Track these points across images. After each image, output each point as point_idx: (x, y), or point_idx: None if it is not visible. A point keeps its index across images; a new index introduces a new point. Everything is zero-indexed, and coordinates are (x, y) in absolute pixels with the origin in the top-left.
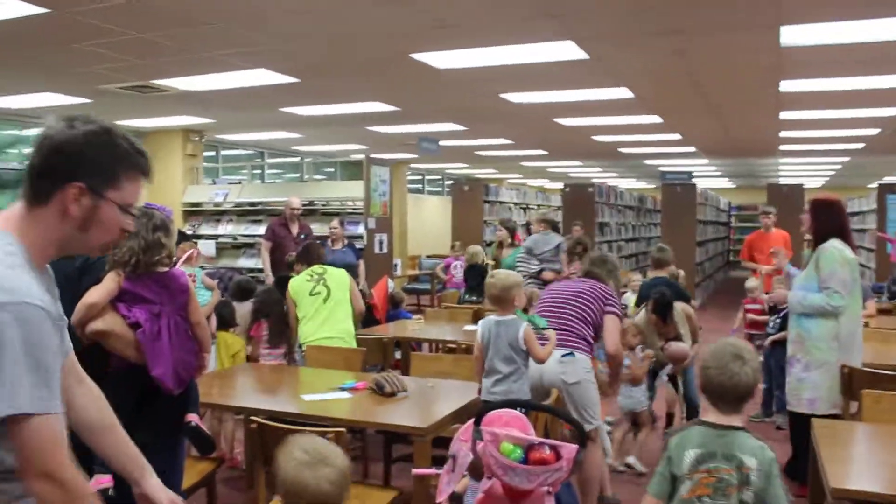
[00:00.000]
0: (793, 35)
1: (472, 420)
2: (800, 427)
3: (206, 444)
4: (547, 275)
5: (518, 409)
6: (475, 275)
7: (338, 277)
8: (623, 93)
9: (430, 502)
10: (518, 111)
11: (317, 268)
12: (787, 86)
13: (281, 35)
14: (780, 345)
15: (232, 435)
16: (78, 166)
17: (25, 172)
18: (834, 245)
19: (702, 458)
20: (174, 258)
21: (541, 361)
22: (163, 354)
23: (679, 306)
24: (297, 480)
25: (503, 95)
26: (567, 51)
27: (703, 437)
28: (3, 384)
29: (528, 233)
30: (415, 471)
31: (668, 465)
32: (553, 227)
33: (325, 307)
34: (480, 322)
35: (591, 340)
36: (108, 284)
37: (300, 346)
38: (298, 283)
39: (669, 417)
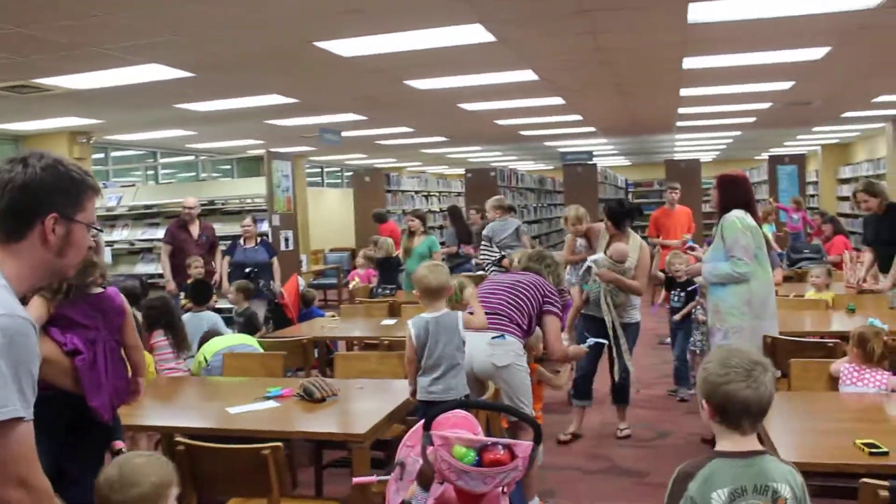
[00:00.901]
0: (700, 12)
1: (420, 424)
2: None
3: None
4: (507, 262)
5: (466, 409)
6: (389, 267)
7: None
8: (528, 75)
9: None
10: (422, 98)
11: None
12: (689, 62)
13: (174, 26)
14: (685, 319)
15: None
16: (48, 199)
17: None
18: (735, 215)
19: (733, 497)
20: (106, 277)
21: (483, 326)
22: (100, 384)
23: (638, 239)
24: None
25: (407, 82)
26: (475, 34)
27: (728, 472)
28: (3, 390)
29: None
30: (355, 479)
31: None
32: (509, 211)
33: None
34: (412, 322)
35: (525, 329)
36: (37, 310)
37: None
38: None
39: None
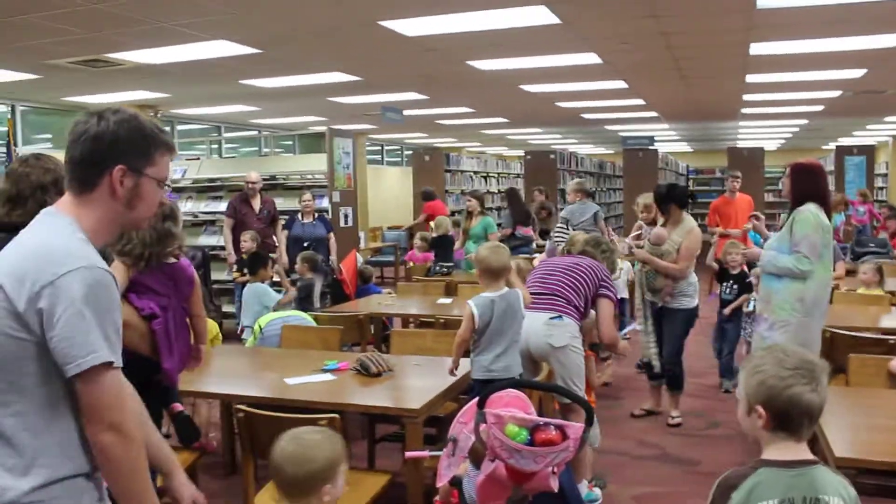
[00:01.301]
0: None
1: (474, 402)
2: None
3: (194, 434)
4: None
5: (519, 388)
6: (445, 245)
7: None
8: (591, 58)
9: (424, 485)
10: (484, 78)
11: None
12: (756, 48)
13: (241, 3)
14: (736, 312)
15: (206, 421)
16: (117, 151)
17: (68, 165)
18: (810, 209)
19: None
20: (183, 248)
21: (527, 302)
22: (172, 348)
23: (690, 223)
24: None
25: (470, 62)
26: (539, 15)
27: (777, 483)
28: (88, 338)
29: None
30: (408, 453)
31: None
32: (589, 195)
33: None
34: (474, 302)
35: (582, 311)
36: (119, 274)
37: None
38: None
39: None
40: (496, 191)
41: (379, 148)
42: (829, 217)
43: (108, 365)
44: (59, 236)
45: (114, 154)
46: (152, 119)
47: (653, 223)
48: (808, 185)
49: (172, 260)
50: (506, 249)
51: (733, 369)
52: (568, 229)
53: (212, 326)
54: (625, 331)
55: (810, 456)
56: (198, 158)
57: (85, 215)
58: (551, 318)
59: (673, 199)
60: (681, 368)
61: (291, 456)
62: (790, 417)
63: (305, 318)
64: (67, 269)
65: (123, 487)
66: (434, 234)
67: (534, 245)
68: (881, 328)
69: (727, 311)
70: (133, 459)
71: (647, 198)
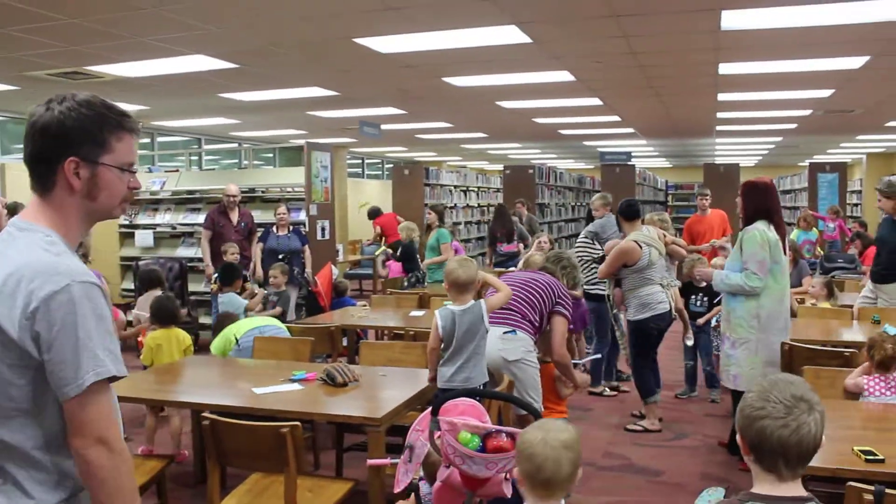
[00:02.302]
0: (733, 19)
1: (429, 410)
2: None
3: None
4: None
5: (474, 397)
6: (412, 252)
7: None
8: (564, 76)
9: (385, 493)
10: (460, 94)
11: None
12: (725, 68)
13: (219, 19)
14: (708, 322)
15: (178, 431)
16: (66, 142)
17: (26, 164)
18: (757, 227)
19: None
20: (89, 258)
21: (507, 297)
22: None
23: (636, 235)
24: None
25: (446, 79)
26: (510, 35)
27: None
28: (83, 356)
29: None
30: (369, 461)
31: None
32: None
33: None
34: (439, 312)
35: (537, 326)
36: None
37: (235, 340)
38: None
39: None
40: (476, 205)
41: (360, 161)
42: (783, 232)
43: (110, 379)
44: (36, 253)
45: (63, 146)
46: (108, 101)
47: None
48: (756, 201)
49: None
50: (473, 263)
51: (716, 378)
52: (594, 244)
53: (183, 337)
54: (583, 360)
55: (800, 492)
56: (177, 170)
57: (53, 219)
58: (505, 333)
59: (620, 212)
60: (641, 376)
61: (555, 459)
62: (761, 452)
63: (282, 329)
64: (54, 289)
65: None
66: (401, 241)
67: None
68: (839, 341)
69: (700, 321)
70: (121, 475)
71: None
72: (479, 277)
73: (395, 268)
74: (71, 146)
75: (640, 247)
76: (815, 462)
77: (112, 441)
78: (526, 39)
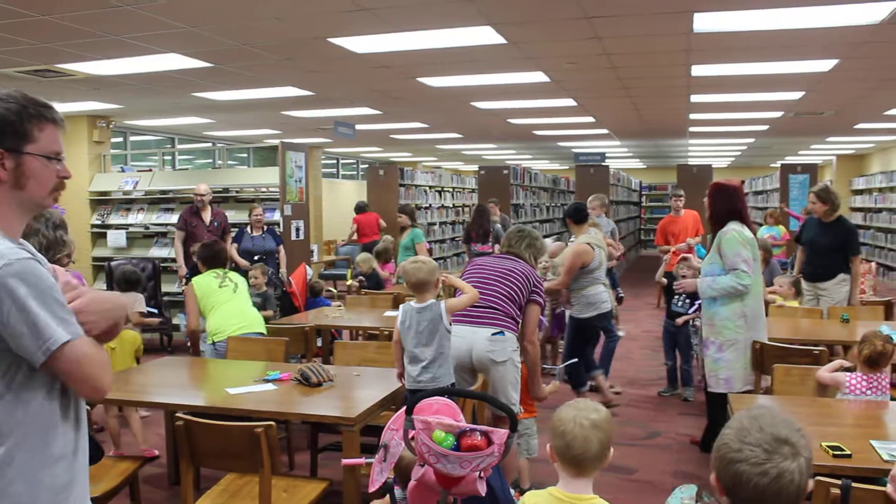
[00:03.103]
0: (705, 21)
1: (403, 409)
2: (716, 403)
3: (97, 453)
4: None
5: (448, 396)
6: (377, 280)
7: (238, 278)
8: (538, 76)
9: (359, 492)
10: (434, 95)
11: (218, 269)
12: (698, 70)
13: (193, 18)
14: (687, 323)
15: (139, 430)
16: None
17: None
18: (733, 228)
19: None
20: (73, 256)
21: (472, 300)
22: None
23: (586, 237)
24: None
25: (420, 79)
26: (484, 35)
27: None
28: (37, 332)
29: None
30: (344, 461)
31: None
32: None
33: (236, 298)
34: (402, 307)
35: (518, 319)
36: None
37: (212, 342)
38: (204, 280)
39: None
40: (451, 205)
41: (334, 161)
42: (753, 232)
43: (66, 343)
44: None
45: None
46: (22, 93)
47: None
48: (724, 203)
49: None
50: (427, 264)
51: (692, 377)
52: None
53: (133, 338)
54: (560, 367)
55: None
56: (150, 170)
57: None
58: (493, 335)
59: (569, 216)
60: (575, 370)
61: (584, 437)
62: (736, 497)
63: (264, 332)
64: None
65: None
66: (361, 273)
67: None
68: (810, 339)
69: (679, 321)
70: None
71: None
72: (435, 277)
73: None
74: None
75: (593, 248)
76: None
77: (101, 387)
78: (500, 40)
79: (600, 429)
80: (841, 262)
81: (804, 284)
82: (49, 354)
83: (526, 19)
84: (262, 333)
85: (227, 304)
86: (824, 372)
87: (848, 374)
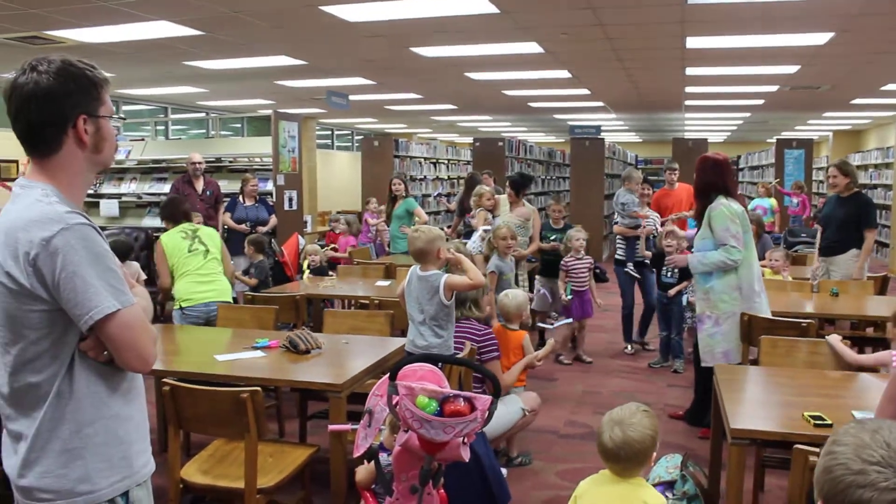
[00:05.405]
0: None
1: (388, 375)
2: (704, 377)
3: None
4: (617, 228)
5: (434, 363)
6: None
7: (211, 235)
8: (533, 47)
9: (346, 458)
10: (428, 65)
11: (187, 225)
12: (692, 42)
13: None
14: (679, 293)
15: None
16: (72, 102)
17: (24, 132)
18: (721, 202)
19: None
20: None
21: (474, 284)
22: None
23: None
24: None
25: (413, 49)
26: (478, 4)
27: None
28: (87, 295)
29: None
30: (330, 427)
31: None
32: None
33: (207, 265)
34: (410, 270)
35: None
36: None
37: (179, 307)
38: (173, 240)
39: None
40: (445, 177)
41: (329, 132)
42: (742, 205)
43: (115, 313)
44: (32, 205)
45: (70, 106)
46: (80, 59)
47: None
48: (710, 176)
49: None
50: (425, 233)
51: (682, 349)
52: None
53: None
54: (555, 325)
55: None
56: (143, 139)
57: (56, 176)
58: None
59: (515, 184)
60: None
61: (623, 442)
62: None
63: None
64: (48, 235)
65: None
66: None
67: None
68: (798, 312)
69: (672, 292)
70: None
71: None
72: (435, 247)
73: (342, 242)
74: (78, 105)
75: None
76: (766, 427)
77: (146, 357)
78: (493, 10)
79: (636, 431)
80: (854, 236)
81: (817, 260)
82: (96, 321)
83: None
84: (227, 302)
85: (196, 270)
86: (864, 357)
87: (892, 351)
